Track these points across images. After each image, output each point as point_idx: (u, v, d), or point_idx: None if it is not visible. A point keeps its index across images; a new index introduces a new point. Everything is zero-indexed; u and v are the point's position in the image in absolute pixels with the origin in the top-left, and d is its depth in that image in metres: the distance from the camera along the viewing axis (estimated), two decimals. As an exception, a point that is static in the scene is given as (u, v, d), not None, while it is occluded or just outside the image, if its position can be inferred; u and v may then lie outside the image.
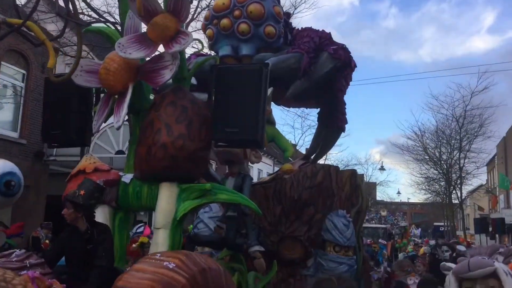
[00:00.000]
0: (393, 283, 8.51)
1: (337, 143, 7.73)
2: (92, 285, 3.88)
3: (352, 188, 7.19)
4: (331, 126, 7.03)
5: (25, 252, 3.61)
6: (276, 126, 6.81)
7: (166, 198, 4.52)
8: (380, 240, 22.45)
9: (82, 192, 4.27)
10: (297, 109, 26.68)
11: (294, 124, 43.61)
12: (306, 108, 7.74)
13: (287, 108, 22.65)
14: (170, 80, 4.67)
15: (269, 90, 6.91)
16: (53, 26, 14.39)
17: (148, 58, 4.59)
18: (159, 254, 4.24)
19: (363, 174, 44.01)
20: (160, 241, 4.48)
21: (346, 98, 7.18)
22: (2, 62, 15.29)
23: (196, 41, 6.91)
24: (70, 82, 4.62)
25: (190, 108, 4.59)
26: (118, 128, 4.40)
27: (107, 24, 5.41)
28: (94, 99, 5.01)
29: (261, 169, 29.34)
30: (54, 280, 3.36)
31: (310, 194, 6.83)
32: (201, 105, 4.71)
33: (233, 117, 4.51)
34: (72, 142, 4.94)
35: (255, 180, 8.00)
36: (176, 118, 4.51)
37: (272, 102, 8.06)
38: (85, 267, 4.11)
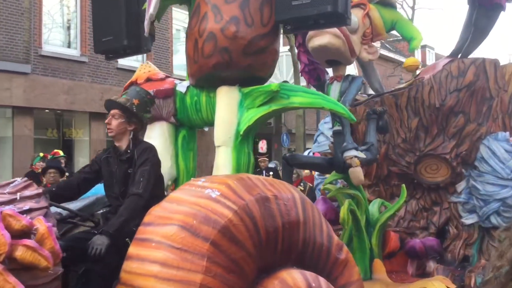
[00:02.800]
0: None
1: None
2: (120, 218, 2.99)
3: (521, 87, 5.26)
4: (485, 3, 5.07)
5: (25, 181, 2.86)
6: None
7: (225, 107, 3.40)
8: None
9: (135, 101, 3.31)
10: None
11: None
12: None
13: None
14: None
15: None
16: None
17: None
18: (203, 179, 3.14)
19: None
20: (221, 162, 3.41)
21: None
22: (173, 8, 14.63)
23: None
24: None
25: (244, -19, 3.32)
26: (151, 19, 3.36)
27: None
28: None
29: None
30: (40, 218, 2.52)
31: (458, 98, 5.09)
32: (260, -22, 3.41)
33: (302, -15, 3.14)
34: (127, 50, 4.02)
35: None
36: (226, -4, 3.30)
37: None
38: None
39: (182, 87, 3.66)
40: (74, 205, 3.30)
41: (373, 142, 4.53)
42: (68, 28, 14.96)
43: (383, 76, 19.44)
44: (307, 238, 3.15)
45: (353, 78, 4.42)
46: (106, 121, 3.24)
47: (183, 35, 16.39)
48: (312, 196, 5.39)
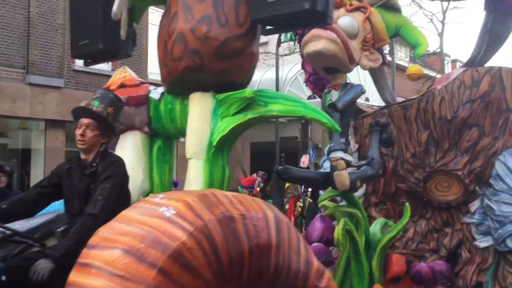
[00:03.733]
0: None
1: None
2: (69, 241, 2.59)
3: (541, 98, 4.65)
4: (500, 8, 4.51)
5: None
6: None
7: (197, 115, 2.99)
8: None
9: (110, 110, 2.92)
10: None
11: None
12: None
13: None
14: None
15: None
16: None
17: None
18: (161, 196, 2.70)
19: None
20: (192, 176, 2.99)
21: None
22: None
23: None
24: None
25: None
26: (115, 18, 2.99)
27: None
28: None
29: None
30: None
31: (471, 110, 4.54)
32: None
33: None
34: (105, 54, 3.64)
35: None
36: (199, -6, 2.90)
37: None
38: None
39: (156, 93, 3.27)
40: (32, 222, 2.94)
41: (375, 156, 4.03)
42: (100, 44, 14.96)
43: (413, 91, 18.66)
44: (280, 263, 2.68)
45: (352, 86, 3.93)
46: (80, 132, 2.85)
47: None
48: (313, 212, 4.89)
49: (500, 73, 4.55)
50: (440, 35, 17.56)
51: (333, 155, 3.56)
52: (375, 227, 4.22)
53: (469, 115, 4.53)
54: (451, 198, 4.59)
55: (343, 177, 3.57)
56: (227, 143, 3.04)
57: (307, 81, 5.04)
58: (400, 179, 4.81)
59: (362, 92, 3.95)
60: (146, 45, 15.22)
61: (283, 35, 14.19)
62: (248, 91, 2.87)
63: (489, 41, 4.72)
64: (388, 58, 17.54)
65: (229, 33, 2.88)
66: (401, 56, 24.62)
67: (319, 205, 4.24)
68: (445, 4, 17.15)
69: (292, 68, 18.54)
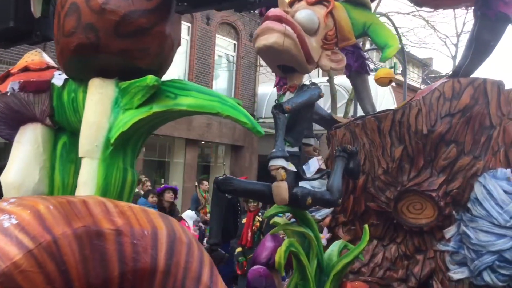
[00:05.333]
0: None
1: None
2: None
3: (530, 115, 3.85)
4: (489, 14, 3.72)
5: None
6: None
7: (93, 106, 2.31)
8: None
9: None
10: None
11: None
12: (467, 9, 4.35)
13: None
14: None
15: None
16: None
17: None
18: (13, 199, 2.01)
19: None
20: (82, 178, 2.29)
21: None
22: (216, 35, 15.24)
23: None
24: None
25: None
26: None
27: None
28: None
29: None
30: None
31: (450, 125, 3.79)
32: None
33: None
34: (19, 34, 2.94)
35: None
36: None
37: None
38: None
39: (58, 79, 2.58)
40: None
41: (337, 183, 3.21)
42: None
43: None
44: (167, 293, 1.94)
45: (308, 87, 3.18)
46: None
47: (224, 61, 16.07)
48: (270, 229, 4.09)
49: (484, 85, 3.80)
50: (454, 58, 16.58)
51: (272, 163, 2.79)
52: (332, 250, 3.43)
53: (448, 130, 3.78)
54: (423, 221, 3.82)
55: (282, 189, 2.81)
56: (131, 141, 2.35)
57: (277, 86, 4.31)
58: (370, 197, 4.06)
59: (320, 96, 3.20)
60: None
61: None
62: (150, 78, 2.17)
63: (475, 50, 3.96)
64: (400, 78, 16.57)
65: (132, 7, 2.20)
66: (414, 77, 23.61)
67: (271, 222, 3.47)
68: (459, 27, 16.28)
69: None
